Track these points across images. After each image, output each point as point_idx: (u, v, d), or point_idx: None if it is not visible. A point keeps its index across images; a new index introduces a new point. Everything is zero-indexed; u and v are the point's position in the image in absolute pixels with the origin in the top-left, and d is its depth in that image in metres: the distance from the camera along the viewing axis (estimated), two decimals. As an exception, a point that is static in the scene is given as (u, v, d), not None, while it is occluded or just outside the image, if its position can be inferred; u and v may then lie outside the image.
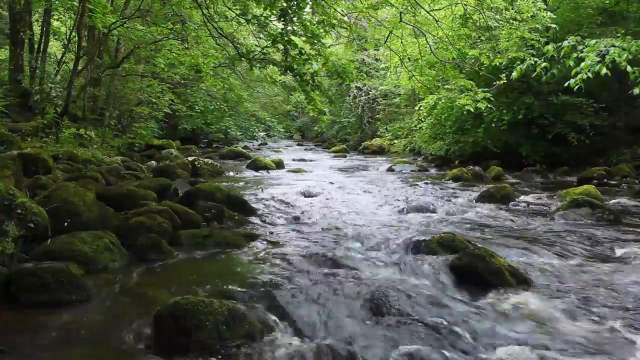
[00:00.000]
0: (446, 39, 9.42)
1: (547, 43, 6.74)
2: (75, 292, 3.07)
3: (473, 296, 3.42)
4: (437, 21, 8.71)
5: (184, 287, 3.36)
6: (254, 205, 6.47)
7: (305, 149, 25.07)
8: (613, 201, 7.47)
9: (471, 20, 8.71)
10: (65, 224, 3.95)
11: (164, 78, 13.76)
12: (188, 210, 5.09)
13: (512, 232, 5.42)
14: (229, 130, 21.08)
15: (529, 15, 7.71)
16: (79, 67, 10.94)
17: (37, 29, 12.38)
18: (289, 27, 6.35)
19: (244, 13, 7.54)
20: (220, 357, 2.45)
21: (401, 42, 10.04)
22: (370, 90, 24.40)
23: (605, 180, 9.68)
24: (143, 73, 14.02)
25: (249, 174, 11.66)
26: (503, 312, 3.08)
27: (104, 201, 4.75)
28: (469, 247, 4.14)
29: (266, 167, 12.49)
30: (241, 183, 9.60)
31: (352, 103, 25.89)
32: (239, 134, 21.85)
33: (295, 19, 6.33)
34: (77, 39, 11.04)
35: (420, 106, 13.57)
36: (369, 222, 5.94)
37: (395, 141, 20.64)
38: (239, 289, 3.31)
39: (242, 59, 8.07)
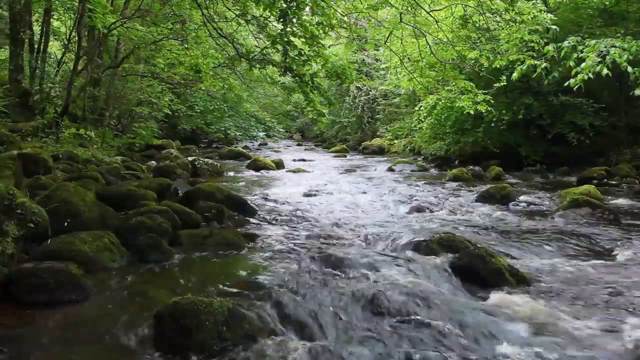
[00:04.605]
0: (446, 40, 9.43)
1: (547, 44, 6.74)
2: (75, 292, 3.07)
3: (473, 296, 3.42)
4: (437, 22, 8.72)
5: (184, 287, 3.36)
6: (254, 205, 6.47)
7: (305, 149, 25.07)
8: (613, 201, 7.47)
9: (471, 22, 8.71)
10: (65, 224, 3.95)
11: (164, 78, 13.75)
12: (188, 210, 5.09)
13: (512, 232, 5.42)
14: (228, 131, 21.08)
15: (529, 17, 7.70)
16: (79, 67, 10.93)
17: (37, 29, 12.37)
18: (289, 28, 6.35)
19: (243, 14, 7.55)
20: (220, 357, 2.45)
21: (401, 43, 10.05)
22: (370, 91, 24.40)
23: (605, 180, 9.68)
24: (143, 73, 14.01)
25: (249, 174, 11.66)
26: (503, 311, 3.08)
27: (104, 201, 4.75)
28: (469, 247, 4.14)
29: (266, 167, 12.49)
30: (241, 183, 9.60)
31: (351, 103, 25.90)
32: (238, 134, 21.85)
33: (294, 19, 6.33)
34: (77, 39, 11.03)
35: (420, 106, 13.58)
36: (368, 222, 5.94)
37: (395, 141, 20.63)
38: (239, 289, 3.31)
39: (242, 59, 8.08)
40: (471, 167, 11.37)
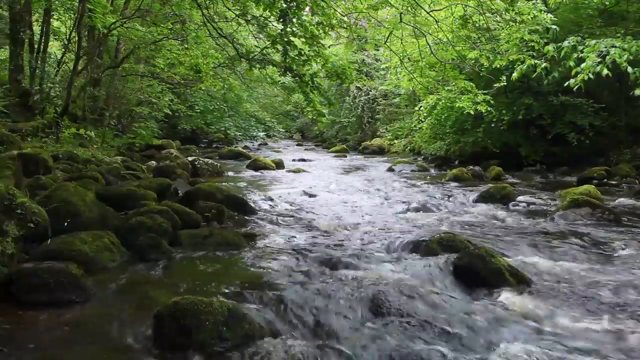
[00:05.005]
0: (446, 40, 9.43)
1: (547, 44, 6.74)
2: (75, 292, 3.07)
3: (473, 296, 3.42)
4: (437, 22, 8.71)
5: (184, 287, 3.36)
6: (254, 205, 6.47)
7: (305, 149, 25.07)
8: (613, 201, 7.47)
9: (471, 22, 8.71)
10: (65, 224, 3.95)
11: (164, 78, 13.75)
12: (188, 210, 5.09)
13: (512, 232, 5.42)
14: (228, 131, 21.09)
15: (529, 17, 7.71)
16: (79, 67, 10.93)
17: (37, 29, 12.37)
18: (289, 28, 6.35)
19: (243, 14, 7.55)
20: (220, 357, 2.45)
21: (401, 43, 10.04)
22: (370, 91, 24.41)
23: (605, 180, 9.67)
24: (143, 73, 14.01)
25: (249, 174, 11.66)
26: (503, 312, 3.08)
27: (104, 201, 4.75)
28: (469, 247, 4.14)
29: (266, 167, 12.49)
30: (241, 183, 9.60)
31: (351, 103, 25.91)
32: (238, 134, 21.86)
33: (294, 19, 6.33)
34: (77, 39, 11.04)
35: (420, 106, 13.59)
36: (369, 222, 5.94)
37: (395, 141, 20.64)
38: (239, 289, 3.31)
39: (242, 59, 8.08)
40: (471, 167, 11.37)
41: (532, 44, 8.08)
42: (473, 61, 9.94)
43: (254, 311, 2.86)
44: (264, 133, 24.29)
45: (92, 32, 12.07)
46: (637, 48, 5.81)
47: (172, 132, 19.02)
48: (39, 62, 11.13)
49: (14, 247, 3.15)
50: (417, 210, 6.78)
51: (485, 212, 6.73)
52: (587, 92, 10.50)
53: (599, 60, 5.85)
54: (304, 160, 16.36)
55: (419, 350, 2.54)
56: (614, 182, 9.55)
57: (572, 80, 6.21)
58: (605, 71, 5.74)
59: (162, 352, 2.48)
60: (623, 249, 4.65)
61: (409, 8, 8.55)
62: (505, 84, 9.31)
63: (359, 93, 25.05)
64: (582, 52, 6.11)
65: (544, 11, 8.06)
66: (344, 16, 8.35)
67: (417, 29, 8.93)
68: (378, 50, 20.04)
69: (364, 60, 24.39)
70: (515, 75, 7.63)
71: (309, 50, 6.81)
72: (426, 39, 9.10)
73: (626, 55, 5.77)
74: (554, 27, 7.66)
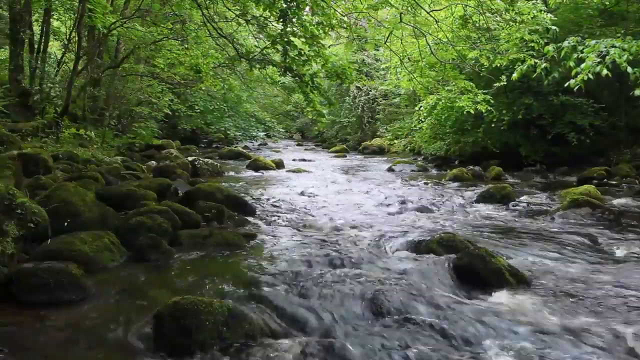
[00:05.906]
0: (446, 40, 9.43)
1: (547, 44, 6.74)
2: (75, 292, 3.07)
3: (473, 296, 3.42)
4: (437, 22, 8.72)
5: (184, 287, 3.36)
6: (254, 205, 6.47)
7: (305, 149, 25.06)
8: (613, 201, 7.47)
9: (471, 22, 8.71)
10: (65, 224, 3.95)
11: (164, 78, 13.75)
12: (188, 210, 5.09)
13: (512, 232, 5.42)
14: (228, 131, 21.09)
15: (529, 17, 7.71)
16: (79, 67, 10.94)
17: (37, 29, 12.37)
18: (289, 28, 6.35)
19: (243, 14, 7.55)
20: (220, 357, 2.45)
21: (401, 43, 10.05)
22: (370, 91, 24.41)
23: (605, 180, 9.67)
24: (143, 73, 14.01)
25: (249, 174, 11.67)
26: (503, 312, 3.08)
27: (104, 201, 4.75)
28: (469, 247, 4.14)
29: (266, 167, 12.50)
30: (241, 183, 9.60)
31: (351, 103, 25.91)
32: (238, 134, 21.86)
33: (294, 19, 6.33)
34: (77, 39, 11.04)
35: (420, 106, 13.59)
36: (368, 222, 5.94)
37: (395, 141, 20.64)
38: (239, 289, 3.32)
39: (242, 59, 8.09)
40: (471, 167, 11.37)
41: (532, 44, 8.08)
42: (473, 61, 9.94)
43: (254, 311, 2.86)
44: (264, 133, 24.29)
45: (92, 32, 12.07)
46: (637, 48, 5.81)
47: (172, 132, 19.01)
48: (39, 62, 11.13)
49: (14, 247, 3.15)
50: (417, 210, 6.78)
51: (485, 212, 6.74)
52: (587, 92, 10.51)
53: (599, 60, 5.85)
54: (304, 160, 16.36)
55: (418, 350, 2.54)
56: (614, 182, 9.54)
57: (572, 81, 6.21)
58: (605, 71, 5.74)
59: (162, 352, 2.48)
60: (623, 249, 4.66)
61: (409, 8, 8.56)
62: (505, 83, 9.31)
63: (359, 93, 25.05)
64: (582, 52, 6.10)
65: (544, 11, 8.07)
66: (344, 16, 8.36)
67: (417, 29, 8.94)
68: (378, 50, 20.02)
69: (364, 60, 24.39)
70: (515, 75, 7.63)
71: (309, 50, 6.81)
72: (426, 39, 9.11)
73: (626, 55, 5.77)
74: (553, 27, 7.66)
